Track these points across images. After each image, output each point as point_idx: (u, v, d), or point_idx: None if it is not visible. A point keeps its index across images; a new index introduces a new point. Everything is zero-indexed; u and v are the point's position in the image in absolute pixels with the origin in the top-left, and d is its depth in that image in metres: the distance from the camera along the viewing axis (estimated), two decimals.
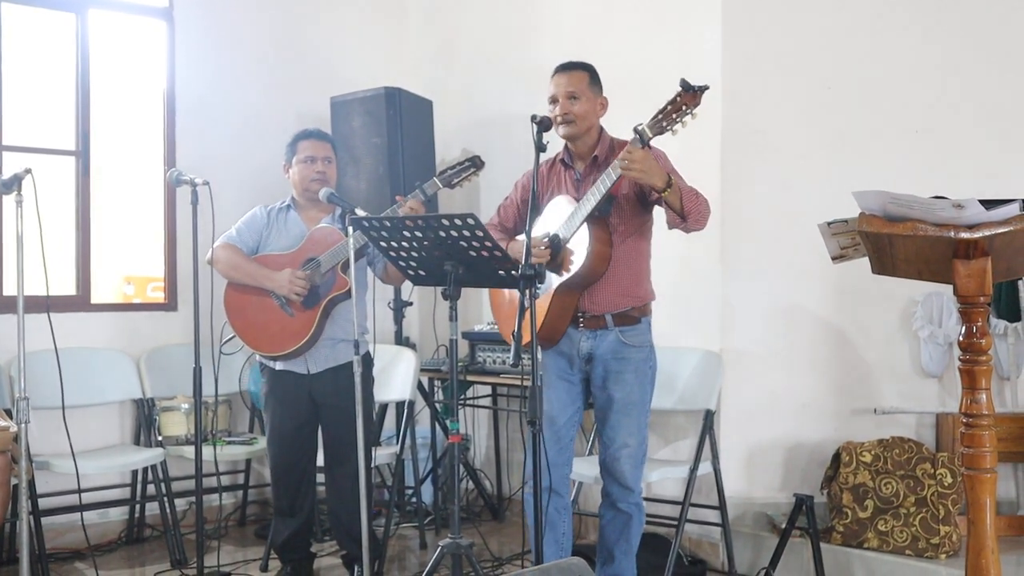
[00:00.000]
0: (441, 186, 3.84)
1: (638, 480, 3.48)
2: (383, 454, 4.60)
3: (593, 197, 3.25)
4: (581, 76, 3.43)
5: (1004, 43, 4.31)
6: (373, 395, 3.80)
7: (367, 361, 3.96)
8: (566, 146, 3.52)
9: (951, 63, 4.32)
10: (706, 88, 3.08)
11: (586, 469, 3.94)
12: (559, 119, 3.39)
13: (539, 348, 3.19)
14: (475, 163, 3.83)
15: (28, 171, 3.36)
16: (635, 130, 3.14)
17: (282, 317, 3.92)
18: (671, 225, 3.30)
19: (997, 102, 4.29)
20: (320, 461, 4.12)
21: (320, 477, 4.16)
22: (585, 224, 3.29)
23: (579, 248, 3.31)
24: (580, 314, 3.42)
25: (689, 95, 3.07)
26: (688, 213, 3.19)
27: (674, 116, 3.08)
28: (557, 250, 3.33)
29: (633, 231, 3.42)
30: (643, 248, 3.49)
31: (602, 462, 3.50)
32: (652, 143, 3.16)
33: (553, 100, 3.43)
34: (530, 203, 3.07)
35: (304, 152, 4.01)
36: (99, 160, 5.00)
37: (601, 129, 3.50)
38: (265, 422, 4.13)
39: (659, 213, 3.45)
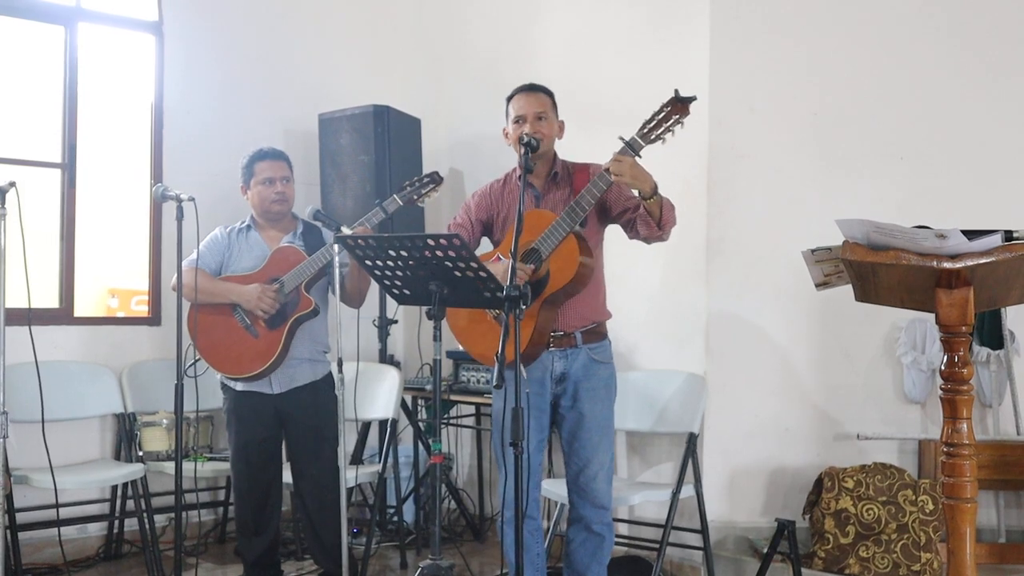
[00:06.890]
0: (401, 203, 3.81)
1: (611, 498, 3.51)
2: (365, 472, 4.57)
3: (580, 210, 3.26)
4: (546, 98, 3.52)
5: (989, 73, 4.34)
6: (337, 414, 3.76)
7: (330, 381, 3.95)
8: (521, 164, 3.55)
9: (936, 91, 4.35)
10: (694, 99, 3.17)
11: (563, 490, 3.91)
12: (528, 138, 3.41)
13: (521, 368, 3.18)
14: (434, 179, 3.85)
15: (12, 184, 3.36)
16: (623, 140, 3.20)
17: (246, 338, 3.91)
18: (642, 234, 3.34)
19: (982, 130, 4.32)
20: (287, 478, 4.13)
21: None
22: (572, 237, 3.30)
23: (566, 261, 3.31)
24: (551, 334, 3.43)
25: (679, 105, 3.16)
26: (665, 223, 3.26)
27: (664, 125, 3.16)
28: (538, 264, 3.34)
29: (595, 246, 3.48)
30: (601, 264, 3.56)
31: (574, 483, 3.49)
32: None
33: (519, 119, 3.46)
34: (516, 225, 3.06)
35: (262, 174, 4.03)
36: (85, 173, 4.98)
37: (555, 151, 3.57)
38: (229, 442, 4.12)
39: (612, 232, 3.49)
